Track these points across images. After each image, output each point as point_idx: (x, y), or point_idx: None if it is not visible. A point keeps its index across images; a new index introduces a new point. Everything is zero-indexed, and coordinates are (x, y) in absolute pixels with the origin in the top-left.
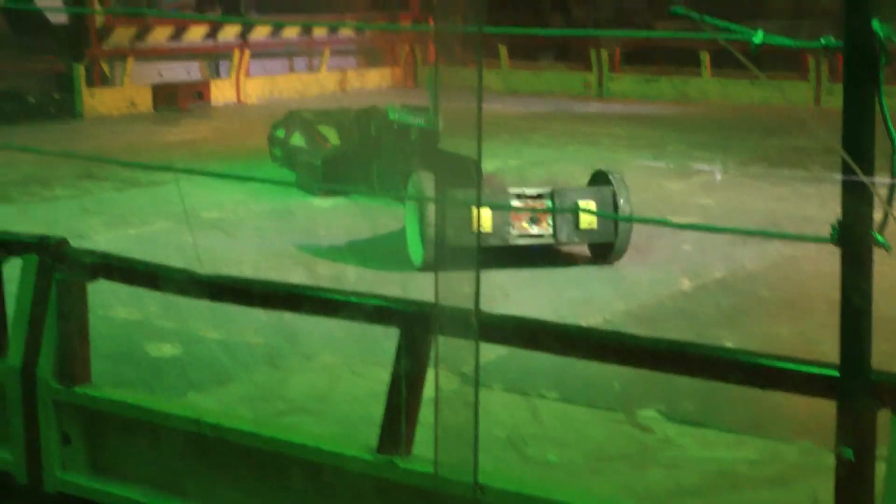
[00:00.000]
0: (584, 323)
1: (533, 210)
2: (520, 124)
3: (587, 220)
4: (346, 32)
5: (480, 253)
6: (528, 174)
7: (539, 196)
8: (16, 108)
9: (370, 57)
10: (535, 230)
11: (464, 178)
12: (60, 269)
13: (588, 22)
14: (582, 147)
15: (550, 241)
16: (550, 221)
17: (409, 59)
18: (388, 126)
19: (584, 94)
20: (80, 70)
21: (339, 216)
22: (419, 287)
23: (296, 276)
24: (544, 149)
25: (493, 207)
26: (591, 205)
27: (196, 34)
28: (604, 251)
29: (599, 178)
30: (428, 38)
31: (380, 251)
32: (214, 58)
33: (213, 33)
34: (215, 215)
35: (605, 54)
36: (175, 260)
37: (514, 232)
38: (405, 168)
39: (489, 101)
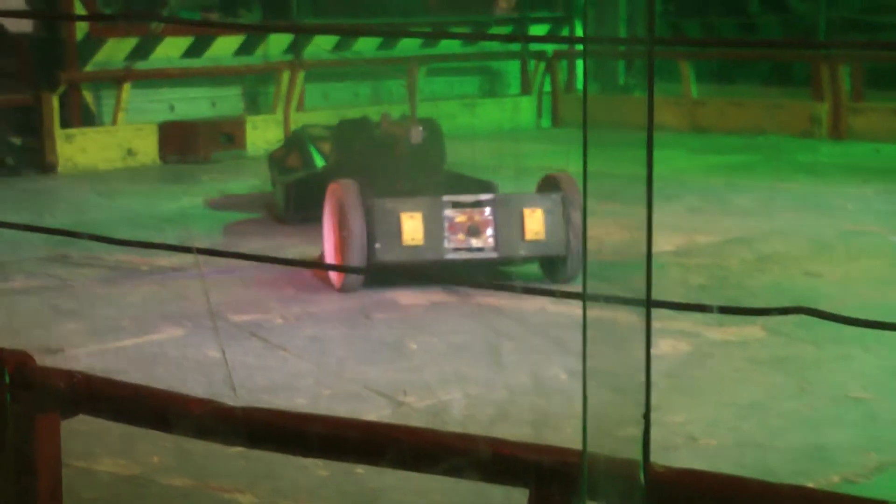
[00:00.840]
0: (810, 481)
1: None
2: (712, 181)
3: (533, 231)
4: (448, 45)
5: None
6: (727, 255)
7: (478, 203)
8: None
9: (487, 81)
10: (474, 243)
11: None
12: (20, 398)
13: (818, 26)
14: (806, 214)
15: (492, 255)
16: (492, 233)
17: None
18: (374, 142)
19: (812, 133)
20: (53, 103)
21: (438, 320)
22: None
23: (373, 410)
24: (749, 217)
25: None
26: (538, 213)
27: (224, 48)
28: (554, 267)
29: (548, 184)
30: (574, 54)
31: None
32: (252, 83)
33: (249, 47)
34: (253, 317)
35: (844, 74)
36: (194, 385)
37: (450, 245)
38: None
39: (663, 145)
